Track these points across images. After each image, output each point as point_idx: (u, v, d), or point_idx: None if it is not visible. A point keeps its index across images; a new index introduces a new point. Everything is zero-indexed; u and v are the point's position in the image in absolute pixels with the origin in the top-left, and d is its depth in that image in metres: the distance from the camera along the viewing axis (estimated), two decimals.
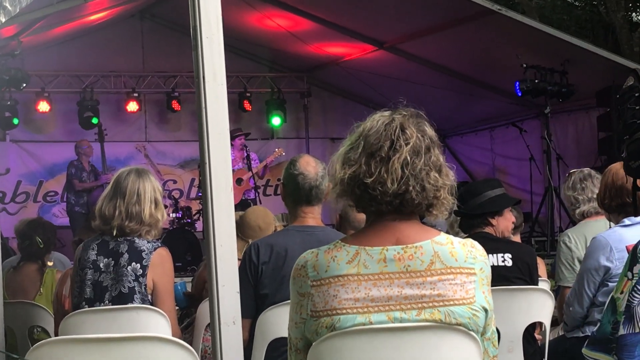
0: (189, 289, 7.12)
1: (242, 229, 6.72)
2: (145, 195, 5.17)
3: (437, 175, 3.02)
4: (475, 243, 3.09)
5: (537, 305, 5.28)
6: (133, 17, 17.36)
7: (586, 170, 6.70)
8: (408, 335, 2.93)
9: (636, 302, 2.93)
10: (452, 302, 2.94)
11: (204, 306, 5.68)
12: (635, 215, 5.19)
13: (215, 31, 4.11)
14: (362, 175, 2.99)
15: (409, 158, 2.98)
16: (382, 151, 2.99)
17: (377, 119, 3.08)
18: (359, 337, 2.92)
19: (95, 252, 5.12)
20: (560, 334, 6.06)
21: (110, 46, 16.91)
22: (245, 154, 15.43)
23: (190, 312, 6.77)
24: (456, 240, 3.05)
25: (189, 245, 14.44)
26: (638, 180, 4.10)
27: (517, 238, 7.06)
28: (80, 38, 16.40)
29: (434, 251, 2.98)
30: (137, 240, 5.11)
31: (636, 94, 3.81)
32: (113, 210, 5.14)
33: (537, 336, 5.67)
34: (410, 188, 2.96)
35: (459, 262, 2.98)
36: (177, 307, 6.33)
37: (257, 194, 15.67)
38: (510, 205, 5.84)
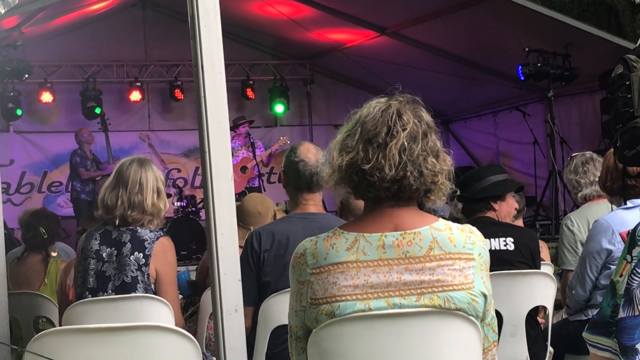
0: (193, 277, 7.13)
1: (242, 217, 6.73)
2: (148, 185, 5.18)
3: (434, 160, 3.03)
4: (474, 228, 3.10)
5: (540, 289, 5.29)
6: (134, 6, 17.35)
7: (588, 153, 6.69)
8: (407, 321, 2.94)
9: (635, 284, 2.93)
10: (451, 288, 2.95)
11: (207, 295, 5.68)
12: (625, 204, 5.20)
13: (213, 20, 4.12)
14: (360, 162, 3.00)
15: (406, 144, 2.98)
16: (380, 137, 3.00)
17: (374, 106, 3.08)
18: (359, 324, 2.93)
19: (98, 241, 5.14)
20: (564, 317, 6.07)
21: (112, 36, 16.89)
22: (250, 142, 15.44)
23: (194, 300, 6.78)
24: (454, 226, 3.06)
25: (193, 234, 14.45)
26: (628, 168, 4.10)
27: (519, 222, 7.07)
28: (81, 28, 16.39)
29: (432, 237, 2.98)
30: (139, 229, 5.12)
31: (627, 82, 3.79)
32: (116, 200, 5.15)
33: (540, 320, 5.68)
34: (408, 174, 2.97)
35: (458, 247, 2.99)
36: (181, 296, 6.34)
37: (261, 182, 15.67)
38: (513, 190, 5.84)
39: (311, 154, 4.92)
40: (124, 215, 5.12)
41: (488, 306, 3.07)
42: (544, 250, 6.79)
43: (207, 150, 4.10)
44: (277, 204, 7.77)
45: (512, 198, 5.78)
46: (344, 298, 2.94)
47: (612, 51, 12.85)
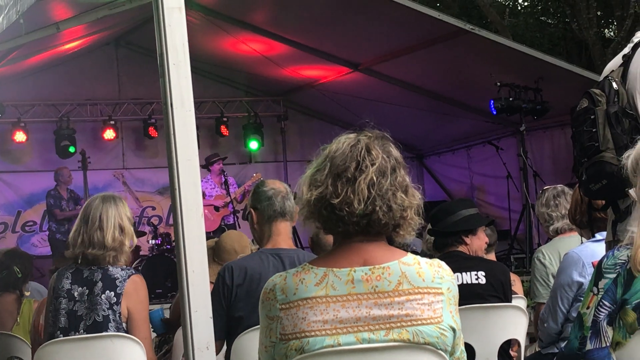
0: (167, 315, 7.11)
1: (219, 253, 6.74)
2: (108, 221, 5.13)
3: (403, 195, 3.04)
4: (442, 263, 3.11)
5: (511, 322, 5.30)
6: (108, 44, 17.35)
7: (559, 187, 6.73)
8: (377, 355, 2.94)
9: (602, 316, 2.95)
10: (420, 322, 2.96)
11: (180, 332, 5.67)
12: (592, 235, 5.24)
13: (182, 58, 4.14)
14: (329, 196, 3.01)
15: (375, 178, 3.00)
16: (348, 172, 3.01)
17: (343, 141, 3.10)
18: (328, 359, 2.93)
19: (70, 280, 5.11)
20: (537, 350, 6.08)
21: (85, 74, 16.92)
22: (224, 179, 15.44)
23: (168, 338, 6.76)
24: (423, 260, 3.07)
25: (168, 272, 14.37)
26: (594, 201, 4.14)
27: (491, 256, 7.10)
28: (55, 67, 16.39)
29: (401, 271, 2.99)
30: (110, 268, 5.10)
31: (592, 116, 3.83)
32: (78, 238, 5.13)
33: (513, 353, 5.69)
34: (377, 208, 2.98)
35: (427, 282, 3.00)
36: (155, 334, 6.32)
37: (236, 219, 15.66)
38: (484, 224, 5.87)
39: (278, 183, 5.02)
40: (85, 253, 5.09)
41: (457, 340, 3.07)
42: (517, 284, 6.82)
43: (177, 187, 4.11)
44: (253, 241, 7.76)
45: (483, 232, 5.80)
46: (313, 333, 2.94)
47: (583, 85, 12.89)
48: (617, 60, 4.06)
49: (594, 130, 3.79)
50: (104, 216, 5.14)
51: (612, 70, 3.97)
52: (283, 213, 4.94)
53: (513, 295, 5.68)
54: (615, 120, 3.77)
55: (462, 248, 5.63)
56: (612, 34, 25.05)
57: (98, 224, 5.11)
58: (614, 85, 3.84)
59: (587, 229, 5.47)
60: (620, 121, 3.78)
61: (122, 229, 5.17)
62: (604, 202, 4.06)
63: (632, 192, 2.98)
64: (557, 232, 6.55)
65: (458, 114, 15.96)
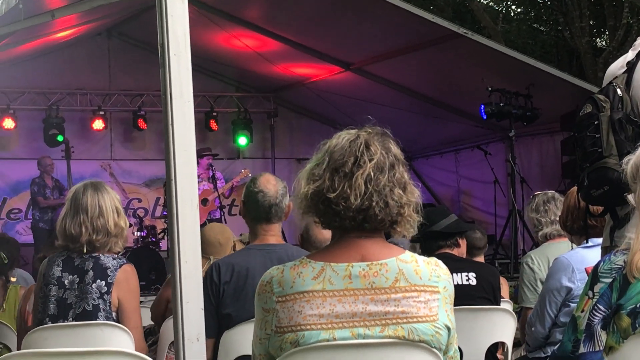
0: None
1: (202, 246, 6.69)
2: (107, 207, 5.14)
3: (401, 192, 3.05)
4: (439, 262, 3.13)
5: (500, 325, 5.32)
6: (100, 35, 17.33)
7: (550, 192, 6.75)
8: (371, 351, 2.95)
9: (596, 320, 2.97)
10: (415, 319, 2.97)
11: (168, 324, 5.67)
12: (586, 242, 5.25)
13: (182, 49, 4.14)
14: (326, 190, 3.01)
15: (372, 174, 3.00)
16: (346, 167, 3.02)
17: (343, 137, 3.11)
18: (323, 353, 2.94)
19: (60, 268, 5.09)
20: (523, 354, 6.10)
21: (76, 64, 16.90)
22: (211, 174, 15.44)
23: (153, 330, 6.74)
24: (420, 258, 3.08)
25: (153, 264, 14.40)
26: (591, 208, 4.15)
27: (480, 259, 7.13)
28: (46, 55, 16.37)
29: (398, 269, 3.00)
30: (102, 257, 5.09)
31: (595, 122, 3.84)
32: (79, 228, 5.11)
33: (500, 356, 5.71)
34: (374, 204, 2.99)
35: (423, 280, 3.01)
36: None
37: (222, 214, 15.66)
38: (469, 229, 5.93)
39: (271, 185, 4.93)
40: (91, 241, 5.08)
41: (451, 339, 3.09)
42: (504, 287, 6.84)
43: (173, 177, 4.10)
44: (240, 235, 7.76)
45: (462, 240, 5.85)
46: (308, 327, 2.95)
47: (574, 93, 13.02)
48: (619, 65, 4.07)
49: (597, 135, 3.80)
50: (102, 203, 5.13)
51: (616, 77, 3.98)
52: (269, 218, 4.93)
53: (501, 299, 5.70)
54: (619, 126, 3.78)
55: (453, 250, 5.64)
56: (604, 43, 25.12)
57: (98, 211, 5.11)
58: (618, 91, 3.85)
59: (578, 235, 5.49)
60: (625, 128, 3.80)
61: (118, 213, 5.18)
62: (601, 208, 4.06)
63: (630, 197, 2.99)
64: (546, 238, 6.57)
65: (448, 118, 15.99)
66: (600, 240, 4.82)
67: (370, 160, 3.03)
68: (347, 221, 3.02)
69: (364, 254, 3.02)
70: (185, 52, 4.14)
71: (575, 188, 5.44)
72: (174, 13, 4.11)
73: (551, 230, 6.52)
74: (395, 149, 3.12)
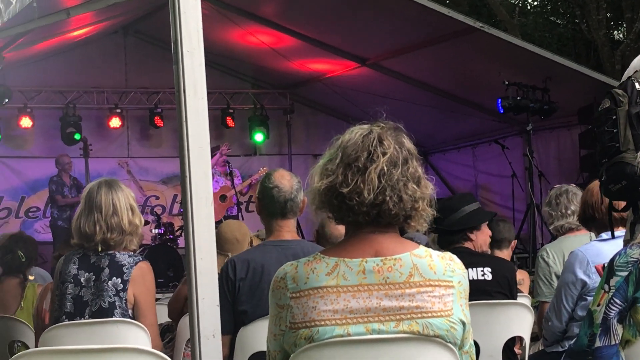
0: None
1: (220, 243, 6.70)
2: (121, 205, 5.15)
3: (415, 186, 3.03)
4: (454, 256, 3.11)
5: (517, 319, 5.30)
6: (116, 33, 17.38)
7: (564, 186, 6.73)
8: (386, 346, 2.94)
9: (612, 314, 2.95)
10: (430, 314, 2.96)
11: (185, 321, 5.67)
12: (612, 237, 5.21)
13: (196, 45, 4.13)
14: (339, 186, 3.00)
15: (385, 168, 2.99)
16: (359, 162, 3.00)
17: (356, 131, 3.09)
18: (337, 349, 2.93)
19: (77, 266, 5.10)
20: (540, 349, 6.07)
21: (93, 62, 16.93)
22: (229, 170, 15.45)
23: (171, 326, 6.75)
24: (435, 253, 3.07)
25: (171, 262, 14.41)
26: (614, 202, 4.13)
27: (508, 252, 7.10)
28: (63, 54, 16.41)
29: (412, 264, 2.99)
30: (118, 254, 5.10)
31: (613, 117, 3.82)
32: (94, 227, 5.11)
33: (517, 351, 5.69)
34: (387, 198, 2.97)
35: (438, 274, 3.00)
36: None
37: (239, 210, 15.67)
38: (488, 220, 5.86)
39: (285, 180, 4.93)
40: (105, 239, 5.08)
41: (467, 334, 3.07)
42: (526, 282, 6.81)
43: (187, 174, 4.10)
44: (257, 231, 7.75)
45: (486, 226, 5.79)
46: (323, 323, 2.94)
47: (591, 86, 12.97)
48: None
49: (615, 130, 3.77)
50: (116, 201, 5.13)
51: (637, 71, 3.95)
52: (284, 214, 4.93)
53: (518, 294, 5.67)
54: (637, 121, 3.75)
55: (467, 244, 5.62)
56: (621, 35, 25.03)
57: (112, 209, 5.11)
58: (637, 85, 3.82)
59: (596, 229, 5.47)
60: None
61: (132, 210, 5.18)
62: (624, 203, 4.04)
63: None
64: (559, 231, 6.56)
65: (465, 112, 15.96)
66: (620, 232, 4.80)
67: (383, 155, 3.01)
68: (361, 216, 3.00)
69: (378, 249, 3.00)
70: (199, 49, 4.14)
71: (594, 183, 5.43)
72: (186, 9, 4.11)
73: (562, 223, 6.51)
74: (408, 143, 3.10)
